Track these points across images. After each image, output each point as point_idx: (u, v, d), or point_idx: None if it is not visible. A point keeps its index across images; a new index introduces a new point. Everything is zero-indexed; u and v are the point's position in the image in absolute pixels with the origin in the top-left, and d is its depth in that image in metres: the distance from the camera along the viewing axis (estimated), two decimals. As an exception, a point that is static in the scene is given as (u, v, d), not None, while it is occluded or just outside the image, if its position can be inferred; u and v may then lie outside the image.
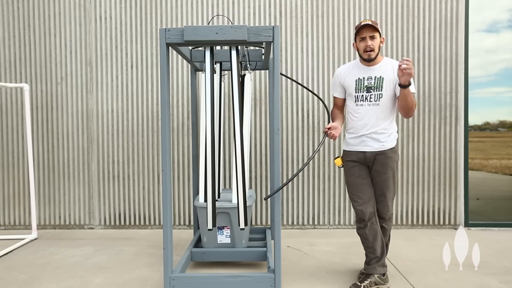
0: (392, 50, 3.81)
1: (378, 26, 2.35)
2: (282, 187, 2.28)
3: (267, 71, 3.77)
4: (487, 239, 3.51)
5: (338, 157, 2.56)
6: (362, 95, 2.43)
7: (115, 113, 3.90)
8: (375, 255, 2.47)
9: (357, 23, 3.80)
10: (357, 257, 3.04)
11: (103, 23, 3.86)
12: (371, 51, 2.35)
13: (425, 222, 3.87)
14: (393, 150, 2.44)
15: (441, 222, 3.87)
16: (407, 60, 2.14)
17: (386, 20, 3.81)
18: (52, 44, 3.88)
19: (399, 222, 3.88)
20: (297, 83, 3.06)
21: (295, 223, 3.90)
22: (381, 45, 2.40)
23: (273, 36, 2.22)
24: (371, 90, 2.40)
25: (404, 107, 2.34)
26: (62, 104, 3.90)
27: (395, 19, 3.81)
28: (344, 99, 2.58)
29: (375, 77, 2.40)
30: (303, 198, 3.88)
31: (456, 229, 3.82)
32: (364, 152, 2.43)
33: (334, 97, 2.62)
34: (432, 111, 3.83)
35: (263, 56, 3.04)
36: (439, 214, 3.87)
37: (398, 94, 2.36)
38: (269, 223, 3.90)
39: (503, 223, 3.89)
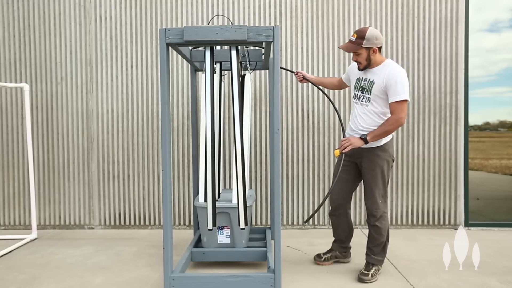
0: (392, 50, 3.81)
1: (363, 41, 2.42)
2: (318, 209, 2.41)
3: (267, 71, 3.77)
4: (487, 239, 3.51)
5: (338, 148, 2.62)
6: (357, 94, 2.61)
7: (115, 113, 3.90)
8: (339, 238, 2.88)
9: (357, 23, 3.80)
10: (357, 257, 3.04)
11: (103, 23, 3.86)
12: (359, 63, 2.53)
13: (425, 222, 3.87)
14: (381, 148, 2.53)
15: (441, 222, 3.87)
16: (342, 145, 2.46)
17: (386, 20, 3.81)
18: (52, 44, 3.88)
19: (399, 222, 3.88)
20: (294, 73, 3.11)
21: (295, 223, 3.90)
22: (373, 55, 2.48)
23: (273, 36, 2.21)
24: (364, 92, 2.55)
25: None
26: (62, 104, 3.90)
27: (395, 19, 3.81)
28: (344, 83, 2.88)
29: (369, 79, 2.53)
30: (303, 198, 3.88)
31: (456, 229, 3.82)
32: (353, 148, 2.54)
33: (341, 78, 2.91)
34: (432, 111, 3.83)
35: (263, 56, 3.04)
36: (439, 214, 3.87)
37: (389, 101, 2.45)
38: (269, 223, 3.90)
39: (503, 223, 3.89)
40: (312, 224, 3.89)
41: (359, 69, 2.57)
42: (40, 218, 3.94)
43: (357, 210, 3.86)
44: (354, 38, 2.45)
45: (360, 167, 2.63)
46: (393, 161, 2.65)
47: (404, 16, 3.81)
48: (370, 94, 2.50)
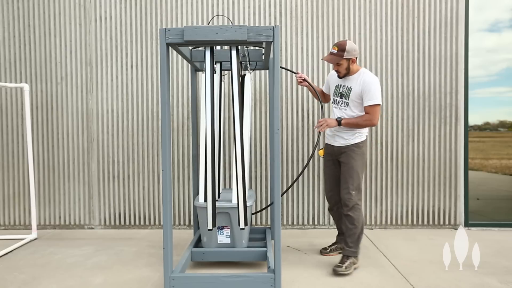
0: (392, 50, 3.81)
1: (344, 53, 2.70)
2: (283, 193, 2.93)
3: (267, 71, 3.77)
4: (487, 239, 3.51)
5: (321, 148, 2.96)
6: (336, 99, 2.92)
7: (115, 113, 3.89)
8: (342, 232, 3.07)
9: (357, 23, 3.80)
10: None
11: (103, 23, 3.86)
12: (339, 72, 2.82)
13: (425, 222, 3.87)
14: (357, 145, 2.83)
15: (441, 222, 3.87)
16: (319, 125, 2.75)
17: (386, 20, 3.81)
18: (52, 44, 3.88)
19: (399, 222, 3.88)
20: (294, 73, 3.19)
21: (295, 223, 3.90)
22: (352, 64, 2.77)
23: (273, 36, 2.22)
24: (343, 97, 2.86)
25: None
26: (62, 104, 3.90)
27: (395, 19, 3.81)
28: (328, 94, 3.12)
29: (347, 86, 2.83)
30: (303, 198, 3.88)
31: (456, 229, 3.82)
32: (333, 146, 2.91)
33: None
34: (432, 111, 3.83)
35: (263, 56, 3.04)
36: (439, 214, 3.87)
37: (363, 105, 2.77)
38: (269, 223, 3.90)
39: (503, 223, 3.89)
40: (312, 224, 3.89)
41: (339, 77, 2.85)
42: (40, 218, 3.94)
43: (357, 210, 3.87)
44: (336, 51, 2.73)
45: (340, 163, 2.92)
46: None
47: (404, 16, 3.81)
48: (348, 99, 2.81)
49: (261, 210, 3.34)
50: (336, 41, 3.81)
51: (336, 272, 2.66)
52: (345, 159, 2.83)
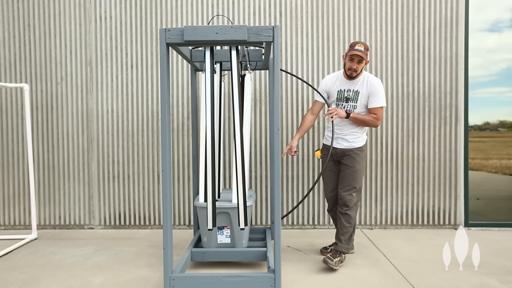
0: (392, 50, 3.81)
1: (367, 53, 2.74)
2: (293, 209, 3.03)
3: (267, 71, 3.77)
4: (487, 239, 3.51)
5: (318, 149, 2.99)
6: (341, 104, 2.93)
7: (115, 113, 3.89)
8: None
9: (357, 23, 3.80)
10: (358, 257, 3.04)
11: (103, 23, 3.86)
12: (354, 71, 2.79)
13: (425, 222, 3.87)
14: (360, 149, 2.90)
15: (441, 222, 3.87)
16: (329, 113, 2.70)
17: (386, 20, 3.81)
18: (52, 44, 3.87)
19: (399, 222, 3.88)
20: (297, 77, 3.20)
21: (295, 223, 3.90)
22: (365, 66, 2.82)
23: (273, 36, 2.22)
24: (349, 101, 2.89)
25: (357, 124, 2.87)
26: (62, 104, 3.90)
27: (395, 19, 3.81)
28: (321, 107, 3.04)
29: (353, 90, 2.87)
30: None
31: (456, 229, 3.82)
32: (336, 148, 2.93)
33: (316, 101, 3.04)
34: (432, 111, 3.83)
35: (263, 56, 3.04)
36: (439, 214, 3.87)
37: (368, 107, 2.85)
38: (269, 223, 3.90)
39: (503, 223, 3.89)
40: (312, 224, 3.89)
41: (351, 77, 2.84)
42: (40, 218, 3.94)
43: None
44: (363, 49, 2.72)
45: (341, 164, 2.95)
46: None
47: (404, 16, 3.81)
48: (356, 102, 2.86)
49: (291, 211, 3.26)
50: (335, 41, 3.81)
51: (327, 263, 2.72)
52: (350, 162, 2.88)
